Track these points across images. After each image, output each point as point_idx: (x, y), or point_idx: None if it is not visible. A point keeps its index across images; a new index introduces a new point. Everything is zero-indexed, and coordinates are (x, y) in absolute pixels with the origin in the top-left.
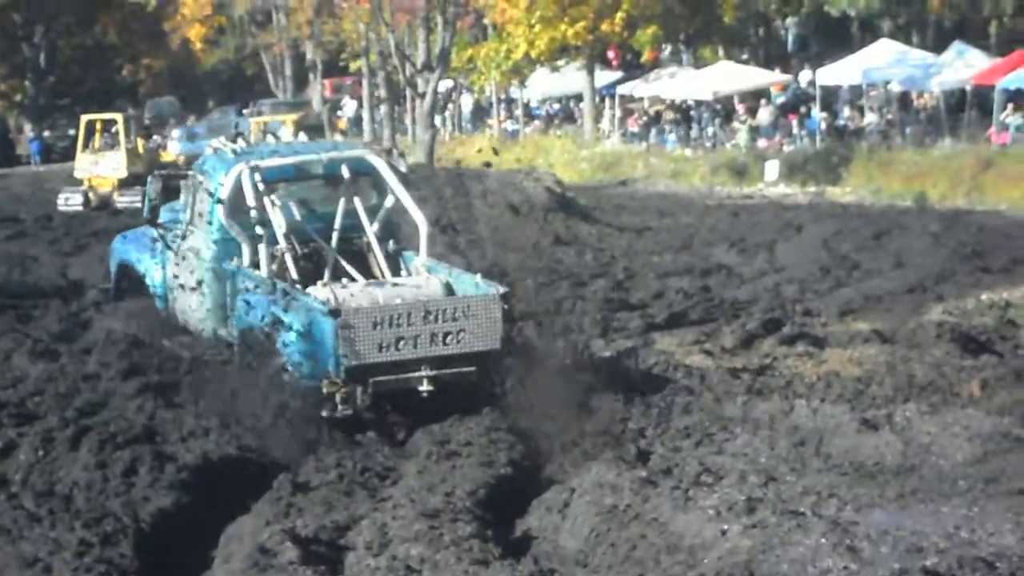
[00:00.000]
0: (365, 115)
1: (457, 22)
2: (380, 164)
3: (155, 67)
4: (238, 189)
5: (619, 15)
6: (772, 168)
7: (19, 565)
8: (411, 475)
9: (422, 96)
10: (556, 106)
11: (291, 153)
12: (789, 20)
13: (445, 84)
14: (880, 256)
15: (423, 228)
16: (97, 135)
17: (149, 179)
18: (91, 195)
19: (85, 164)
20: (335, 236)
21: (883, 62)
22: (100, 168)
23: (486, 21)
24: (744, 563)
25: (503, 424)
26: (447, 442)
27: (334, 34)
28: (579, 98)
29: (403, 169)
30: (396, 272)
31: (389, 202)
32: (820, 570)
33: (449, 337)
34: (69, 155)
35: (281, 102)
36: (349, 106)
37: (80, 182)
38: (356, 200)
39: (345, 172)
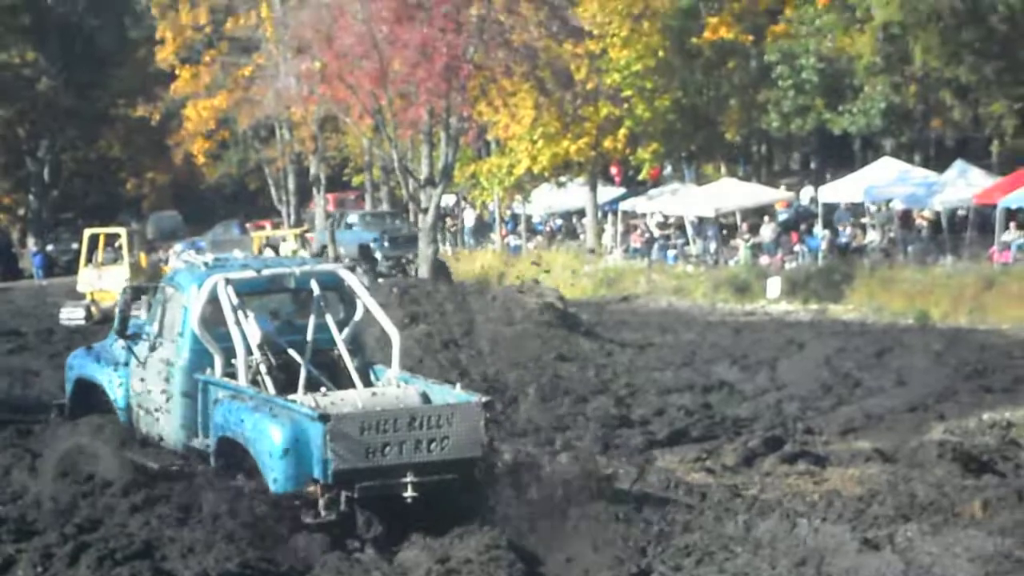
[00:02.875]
0: None
1: (460, 138)
2: (350, 278)
3: (159, 181)
4: (212, 301)
5: (621, 132)
6: (774, 285)
7: None
8: None
9: (425, 211)
10: (559, 221)
11: (262, 267)
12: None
13: (448, 199)
14: (882, 374)
15: (395, 340)
16: (100, 249)
17: (120, 291)
18: (94, 309)
19: (88, 278)
20: (308, 348)
21: (885, 180)
22: (103, 282)
23: (489, 137)
24: None
25: (503, 541)
26: (447, 560)
27: (337, 149)
28: (581, 213)
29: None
30: (367, 384)
31: (358, 316)
32: None
33: (433, 444)
34: (72, 269)
35: None
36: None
37: (83, 296)
38: (326, 313)
39: (315, 286)
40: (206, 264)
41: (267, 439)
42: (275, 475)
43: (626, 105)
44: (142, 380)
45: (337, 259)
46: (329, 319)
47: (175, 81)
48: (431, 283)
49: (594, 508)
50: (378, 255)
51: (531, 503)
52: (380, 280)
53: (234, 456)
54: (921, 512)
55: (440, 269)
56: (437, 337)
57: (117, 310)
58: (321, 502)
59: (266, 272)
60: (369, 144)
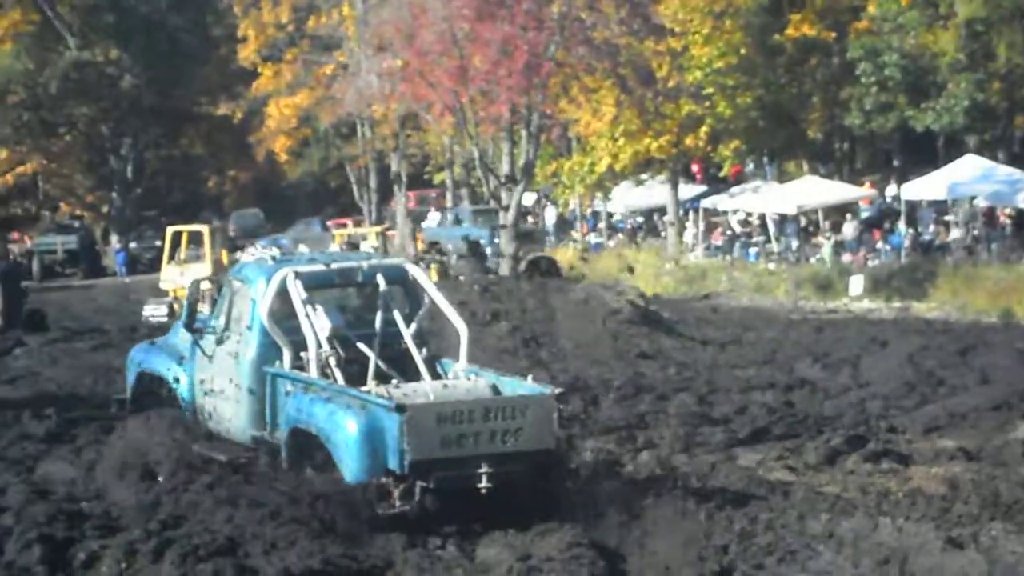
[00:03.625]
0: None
1: (541, 135)
2: (417, 272)
3: (240, 179)
4: (280, 294)
5: (703, 129)
6: (857, 283)
7: None
8: None
9: (506, 209)
10: (640, 219)
11: (329, 261)
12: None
13: (529, 197)
14: (965, 372)
15: (463, 334)
16: (183, 246)
17: (189, 284)
18: (176, 306)
19: (171, 275)
20: (376, 341)
21: (969, 177)
22: (185, 279)
23: (570, 134)
24: None
25: (584, 539)
26: (528, 557)
27: (419, 147)
28: (663, 211)
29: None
30: (435, 377)
31: (423, 310)
32: None
33: (507, 435)
34: (155, 266)
35: None
36: (433, 218)
37: (165, 293)
38: (393, 307)
39: (381, 280)
40: (273, 258)
41: (342, 430)
42: (350, 466)
43: (708, 102)
44: (208, 373)
45: (436, 255)
46: (396, 313)
47: (257, 79)
48: (513, 280)
49: (676, 506)
50: (488, 251)
51: (612, 501)
52: (489, 275)
53: (306, 448)
54: (1006, 511)
55: (546, 264)
56: (518, 334)
57: (185, 303)
58: (396, 493)
59: (334, 266)
60: (450, 142)
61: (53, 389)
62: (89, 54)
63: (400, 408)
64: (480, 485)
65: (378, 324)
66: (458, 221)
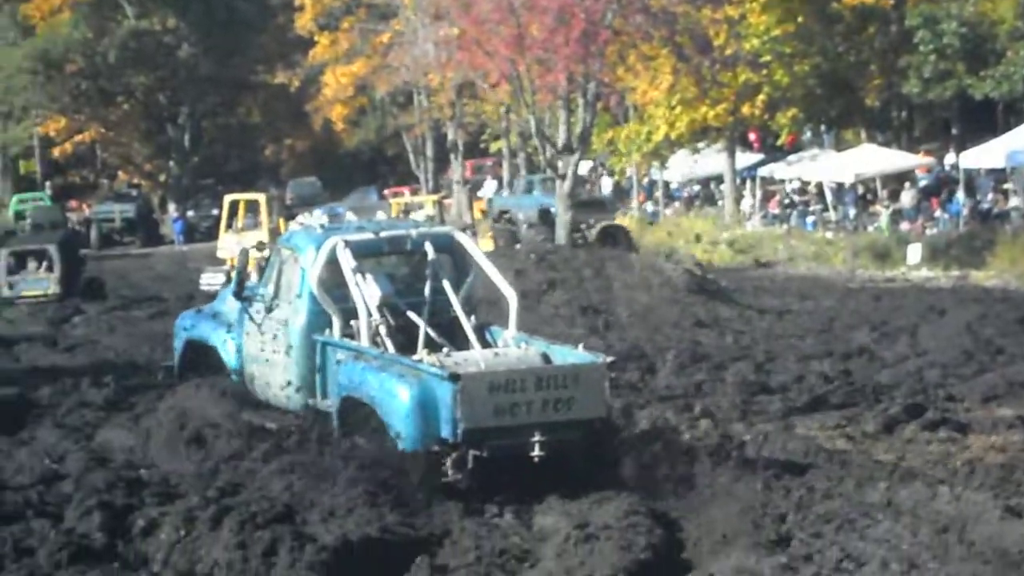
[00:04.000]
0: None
1: (598, 104)
2: (465, 240)
3: (297, 147)
4: (330, 263)
5: (760, 97)
6: (915, 251)
7: None
8: (549, 558)
9: (562, 177)
10: (696, 188)
11: (378, 229)
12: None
13: (585, 165)
14: None
15: (512, 302)
16: (240, 215)
17: (239, 252)
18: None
19: (228, 244)
20: (425, 309)
21: None
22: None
23: (627, 103)
24: None
25: (642, 507)
26: (586, 525)
27: (475, 115)
28: (719, 180)
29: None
30: (484, 345)
31: (471, 278)
32: None
33: (560, 404)
34: (212, 235)
35: None
36: (489, 187)
37: (223, 262)
38: (441, 275)
39: (430, 248)
40: (322, 226)
41: (396, 399)
42: (403, 434)
43: (765, 71)
44: (257, 341)
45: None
46: (444, 281)
47: (314, 48)
48: (569, 249)
49: (733, 475)
50: (557, 220)
51: (669, 469)
52: (553, 244)
53: (358, 416)
54: None
55: (618, 234)
56: (575, 303)
57: (235, 272)
58: (448, 462)
59: (383, 234)
60: (506, 110)
61: (111, 357)
62: (147, 23)
63: (454, 377)
64: (533, 454)
65: (427, 292)
66: (529, 189)
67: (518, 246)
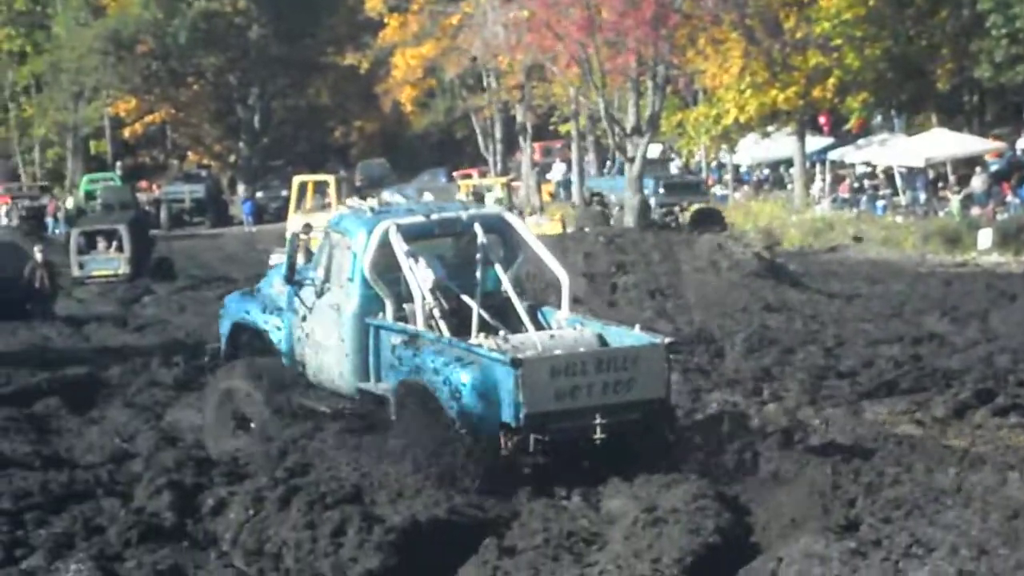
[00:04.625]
0: (574, 179)
1: (667, 87)
2: (516, 222)
3: (367, 129)
4: (382, 246)
5: (830, 81)
6: (985, 236)
7: None
8: (617, 541)
9: (631, 160)
10: (766, 171)
11: (429, 212)
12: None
13: (654, 149)
14: None
15: (565, 283)
16: (309, 196)
17: (289, 237)
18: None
19: (297, 225)
20: (478, 291)
21: None
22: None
23: (696, 86)
24: None
25: (711, 491)
26: (654, 508)
27: (544, 98)
28: (789, 163)
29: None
30: (538, 327)
31: (521, 259)
32: None
33: (620, 386)
34: (281, 216)
35: None
36: (557, 169)
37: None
38: (492, 257)
39: (479, 230)
40: (372, 209)
41: (457, 384)
42: (465, 419)
43: (835, 54)
44: (309, 325)
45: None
46: (496, 262)
47: (383, 29)
48: (637, 232)
49: (802, 459)
50: (652, 201)
51: (738, 453)
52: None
53: (415, 401)
54: None
55: (712, 217)
56: (643, 286)
57: (286, 255)
58: (510, 446)
59: (433, 217)
60: (576, 93)
61: (181, 337)
62: (217, 4)
63: (516, 362)
64: (595, 436)
65: (478, 274)
66: (621, 171)
67: (587, 229)
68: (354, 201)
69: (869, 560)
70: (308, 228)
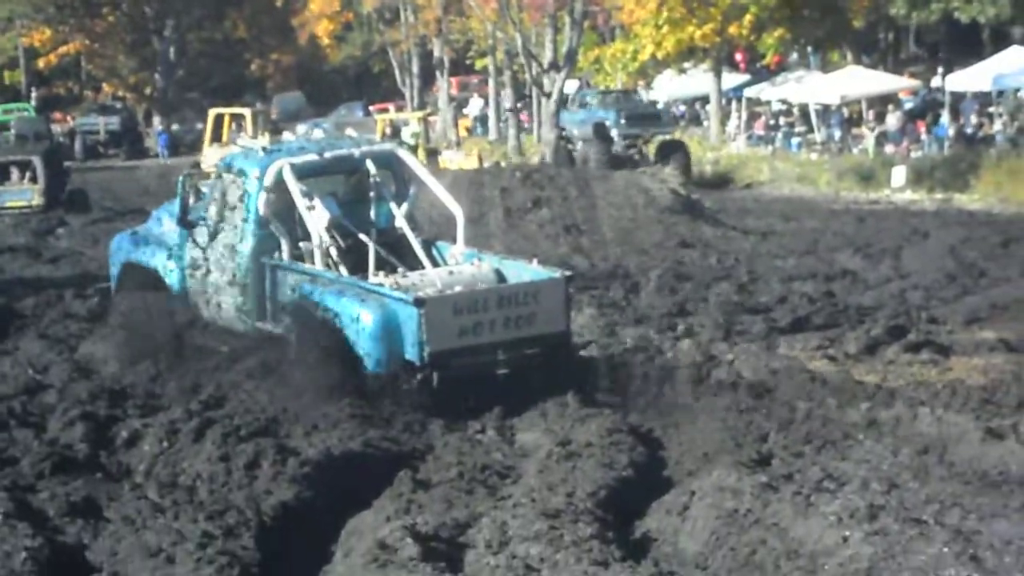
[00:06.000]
0: (490, 114)
1: (585, 22)
2: (408, 157)
3: (283, 62)
4: (277, 185)
5: (747, 18)
6: (899, 174)
7: (142, 555)
8: (531, 474)
9: (548, 95)
10: (682, 108)
11: (321, 149)
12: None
13: (571, 84)
14: (1008, 264)
15: (459, 217)
16: (225, 129)
17: (180, 177)
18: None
19: (213, 157)
20: (373, 229)
21: (1014, 69)
22: None
23: (613, 22)
24: (865, 570)
25: (624, 425)
26: (568, 443)
27: (461, 32)
28: (705, 100)
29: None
30: (433, 262)
31: (412, 194)
32: None
33: (521, 321)
34: (197, 148)
35: None
36: (475, 104)
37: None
38: (385, 193)
39: (372, 166)
40: (264, 148)
41: (360, 323)
42: (369, 358)
43: None
44: (203, 266)
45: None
46: (389, 199)
47: None
48: (553, 168)
49: (715, 394)
50: (614, 133)
51: (652, 388)
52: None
53: (314, 340)
54: None
55: (677, 148)
56: (559, 222)
57: (177, 197)
58: (413, 383)
59: (327, 154)
60: (493, 27)
61: (95, 269)
62: None
63: (419, 302)
64: (498, 371)
65: (372, 211)
66: (583, 105)
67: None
68: (244, 140)
69: (781, 494)
70: (196, 167)
